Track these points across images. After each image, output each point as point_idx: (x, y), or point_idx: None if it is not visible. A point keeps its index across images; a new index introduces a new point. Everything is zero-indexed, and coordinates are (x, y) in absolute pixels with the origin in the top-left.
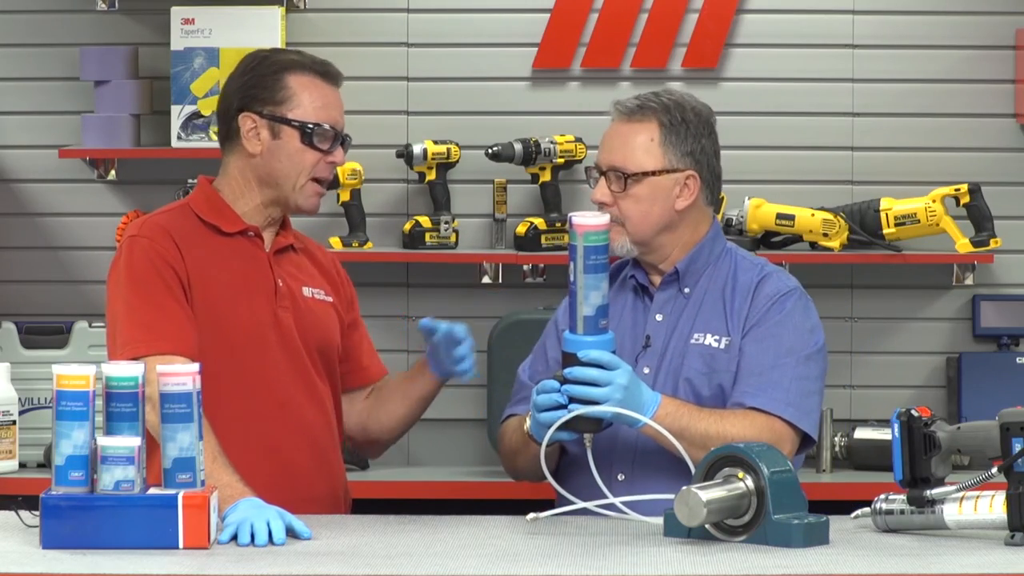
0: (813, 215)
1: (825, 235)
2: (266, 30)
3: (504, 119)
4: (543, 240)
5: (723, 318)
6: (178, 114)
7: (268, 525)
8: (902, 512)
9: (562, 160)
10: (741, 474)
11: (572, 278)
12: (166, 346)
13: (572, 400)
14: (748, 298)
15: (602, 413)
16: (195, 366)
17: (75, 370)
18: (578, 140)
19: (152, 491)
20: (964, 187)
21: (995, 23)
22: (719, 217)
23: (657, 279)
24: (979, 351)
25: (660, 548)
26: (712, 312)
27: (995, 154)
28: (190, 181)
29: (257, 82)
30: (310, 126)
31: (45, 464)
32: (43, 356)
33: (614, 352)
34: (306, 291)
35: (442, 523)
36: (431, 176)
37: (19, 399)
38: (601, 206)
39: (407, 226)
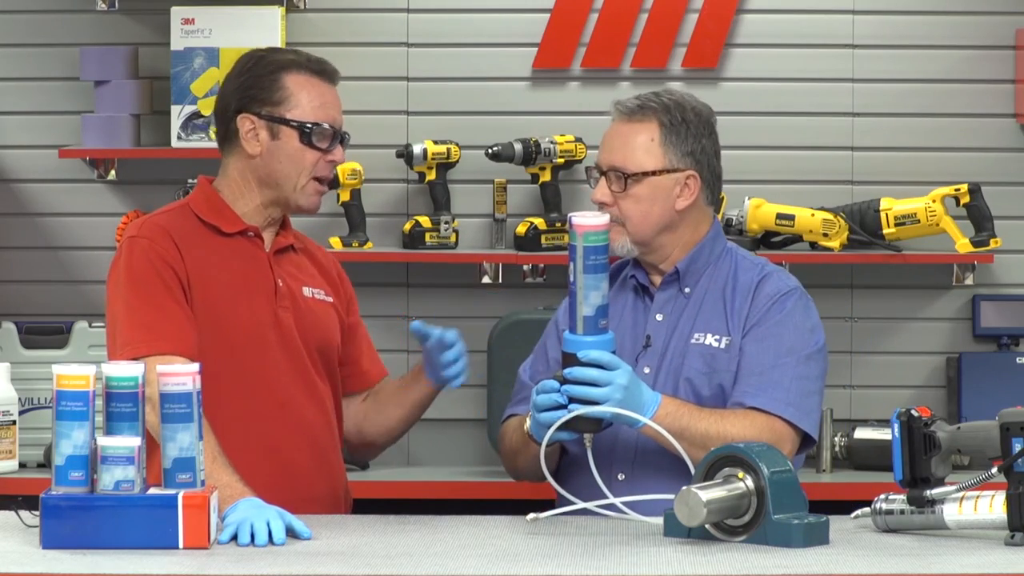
0: (813, 215)
1: (825, 235)
2: (266, 30)
3: (504, 119)
4: (543, 240)
5: (723, 318)
6: (178, 114)
7: (268, 525)
8: (902, 512)
9: (562, 160)
10: (741, 474)
11: (572, 278)
12: (166, 346)
13: (572, 400)
14: (748, 298)
15: (602, 413)
16: (195, 366)
17: (75, 370)
18: (578, 140)
19: (152, 491)
20: (964, 187)
21: (995, 23)
22: (719, 217)
23: (657, 279)
24: (979, 351)
25: (660, 548)
26: (712, 312)
27: (995, 154)
28: (190, 181)
29: (254, 83)
30: (309, 126)
31: (45, 464)
32: (43, 356)
33: (614, 352)
34: (306, 291)
35: (442, 523)
36: (431, 176)
37: (19, 399)
38: (601, 206)
39: (407, 226)
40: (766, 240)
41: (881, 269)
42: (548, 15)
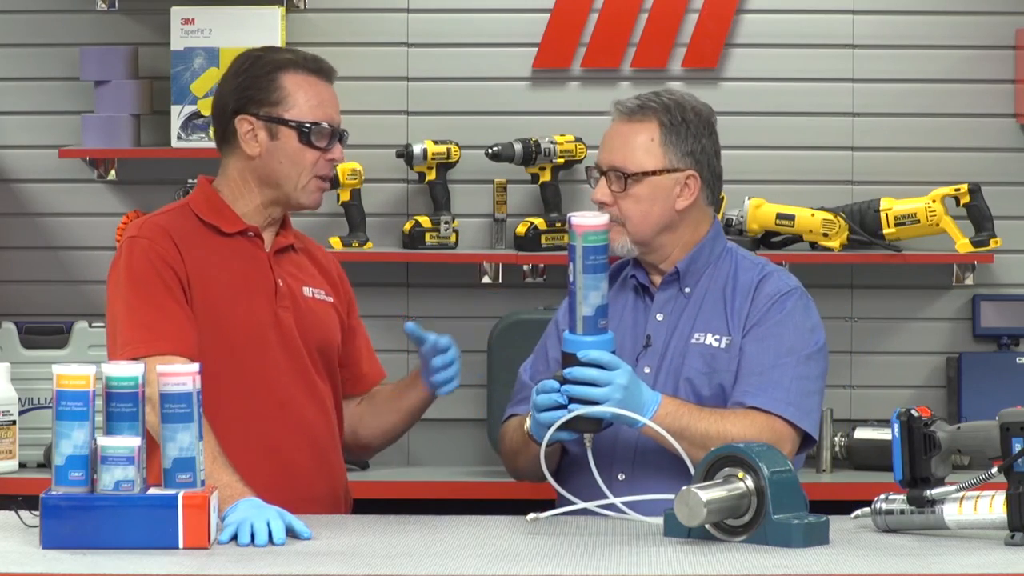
0: (813, 215)
1: (825, 235)
2: (266, 30)
3: (504, 119)
4: (543, 240)
5: (723, 318)
6: (178, 114)
7: (268, 525)
8: (902, 512)
9: (562, 160)
10: (741, 474)
11: (572, 278)
12: (166, 346)
13: (572, 400)
14: (749, 298)
15: (602, 413)
16: (195, 366)
17: (75, 370)
18: (578, 140)
19: (152, 491)
20: (964, 187)
21: (995, 23)
22: (719, 217)
23: (658, 279)
24: (979, 351)
25: (660, 548)
26: (712, 312)
27: (995, 154)
28: (190, 181)
29: (251, 84)
30: (307, 125)
31: (45, 464)
32: (43, 356)
33: (614, 352)
34: (306, 291)
35: (442, 523)
36: (431, 176)
37: (19, 399)
38: (601, 206)
39: (407, 226)
40: (766, 240)
41: (881, 269)
42: (548, 15)
